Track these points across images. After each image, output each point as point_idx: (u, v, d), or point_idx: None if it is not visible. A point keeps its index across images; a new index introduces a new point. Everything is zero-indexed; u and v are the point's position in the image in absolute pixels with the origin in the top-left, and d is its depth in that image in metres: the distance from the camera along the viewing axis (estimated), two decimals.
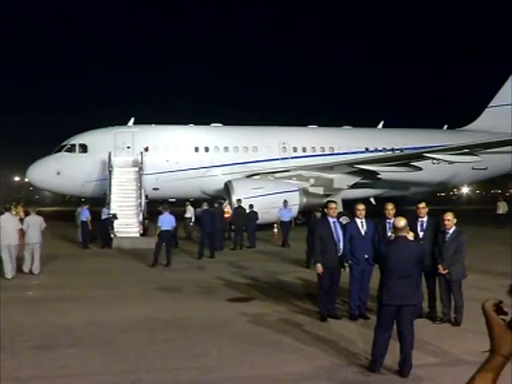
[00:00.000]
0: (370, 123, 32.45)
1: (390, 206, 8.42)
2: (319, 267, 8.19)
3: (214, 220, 16.79)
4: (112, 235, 18.75)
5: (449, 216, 7.93)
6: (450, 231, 7.98)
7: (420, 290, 6.39)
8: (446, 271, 7.95)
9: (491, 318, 1.60)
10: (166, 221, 14.69)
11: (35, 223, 12.95)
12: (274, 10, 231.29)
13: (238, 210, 19.24)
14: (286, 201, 20.51)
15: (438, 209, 18.28)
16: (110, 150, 24.16)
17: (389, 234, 8.02)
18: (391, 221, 8.16)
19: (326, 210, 8.90)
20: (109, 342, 7.04)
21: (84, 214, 18.97)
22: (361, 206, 8.56)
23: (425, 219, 8.37)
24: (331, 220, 8.49)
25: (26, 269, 12.84)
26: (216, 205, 18.91)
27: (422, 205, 8.37)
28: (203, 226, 16.47)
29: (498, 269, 12.55)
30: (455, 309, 8.01)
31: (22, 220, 13.49)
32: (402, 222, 6.08)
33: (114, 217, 19.04)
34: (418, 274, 6.23)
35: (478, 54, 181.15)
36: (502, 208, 26.59)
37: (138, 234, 19.59)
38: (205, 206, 17.40)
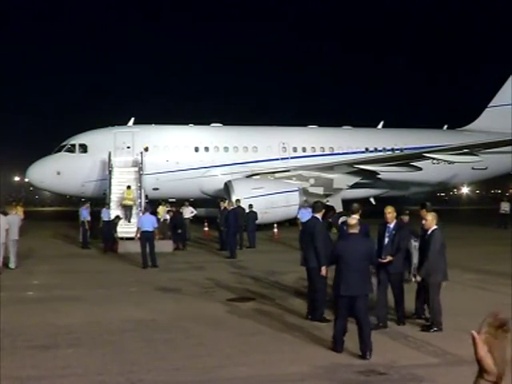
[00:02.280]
0: (370, 123, 32.51)
1: (388, 210, 8.14)
2: (325, 269, 8.11)
3: (238, 219, 17.15)
4: (116, 236, 18.41)
5: (428, 216, 7.80)
6: (429, 232, 7.74)
7: (371, 281, 6.89)
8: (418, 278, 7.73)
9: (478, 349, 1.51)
10: (147, 221, 14.50)
11: (15, 221, 14.01)
12: (274, 9, 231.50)
13: (237, 209, 19.17)
14: (306, 200, 20.19)
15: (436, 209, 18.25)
16: (110, 150, 24.14)
17: (385, 240, 7.99)
18: (391, 225, 8.04)
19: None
20: (109, 342, 7.04)
21: (83, 215, 18.94)
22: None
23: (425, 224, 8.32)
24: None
25: (12, 264, 13.63)
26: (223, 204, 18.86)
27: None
28: (230, 225, 16.56)
29: (499, 269, 12.56)
30: (430, 312, 7.66)
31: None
32: (353, 220, 6.87)
33: (118, 218, 18.89)
34: (369, 267, 6.82)
35: (477, 53, 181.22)
36: (503, 207, 26.57)
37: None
38: (230, 205, 17.53)
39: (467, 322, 7.67)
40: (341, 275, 6.49)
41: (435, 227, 7.70)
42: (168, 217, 18.90)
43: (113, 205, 20.71)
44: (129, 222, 19.97)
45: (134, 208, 20.48)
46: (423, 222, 7.89)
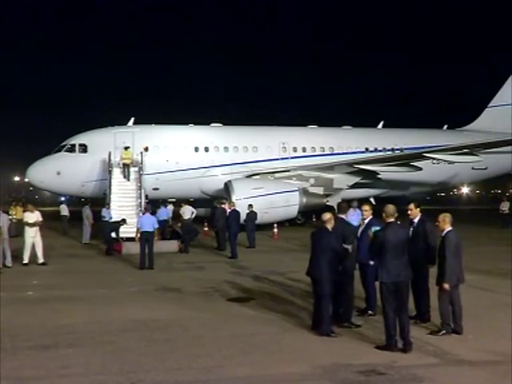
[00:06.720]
0: (370, 123, 32.52)
1: (365, 207, 8.91)
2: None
3: (239, 220, 17.35)
4: (117, 237, 18.26)
5: (439, 218, 7.71)
6: (443, 234, 7.58)
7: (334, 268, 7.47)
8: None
9: None
10: (147, 222, 14.40)
11: (5, 220, 14.33)
12: (275, 9, 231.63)
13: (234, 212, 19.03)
14: (355, 200, 18.73)
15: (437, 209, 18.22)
16: (110, 150, 24.14)
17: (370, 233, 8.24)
18: (366, 221, 8.74)
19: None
20: (109, 342, 7.04)
21: (106, 216, 18.88)
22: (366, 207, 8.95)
23: (416, 220, 8.23)
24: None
25: (8, 263, 13.94)
26: (219, 205, 18.86)
27: (411, 206, 8.32)
28: (232, 225, 16.55)
29: (499, 269, 12.57)
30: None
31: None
32: (327, 215, 7.74)
33: (124, 221, 18.81)
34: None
35: (477, 53, 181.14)
36: (502, 207, 26.62)
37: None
38: (231, 206, 17.59)
39: (467, 323, 7.69)
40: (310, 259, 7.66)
41: (449, 229, 7.59)
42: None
43: (113, 205, 20.68)
44: (128, 180, 22.49)
45: (132, 169, 22.89)
46: (436, 224, 7.80)
